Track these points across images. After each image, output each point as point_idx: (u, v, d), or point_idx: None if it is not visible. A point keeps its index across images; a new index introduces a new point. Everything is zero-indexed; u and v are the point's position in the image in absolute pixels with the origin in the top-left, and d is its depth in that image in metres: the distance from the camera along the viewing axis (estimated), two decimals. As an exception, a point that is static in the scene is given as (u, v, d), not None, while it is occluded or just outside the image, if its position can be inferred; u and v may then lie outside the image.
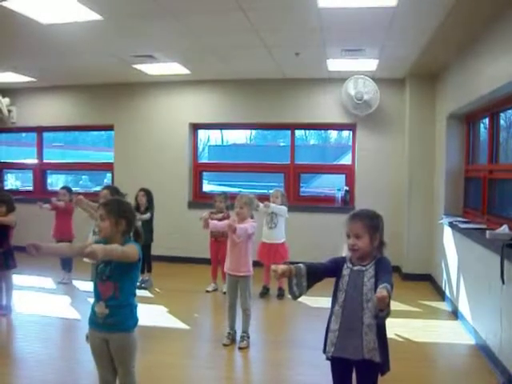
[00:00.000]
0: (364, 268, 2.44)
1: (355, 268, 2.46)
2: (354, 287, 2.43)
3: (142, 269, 5.81)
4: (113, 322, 2.54)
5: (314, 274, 2.51)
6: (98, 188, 5.97)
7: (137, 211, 5.83)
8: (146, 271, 6.09)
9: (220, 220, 5.02)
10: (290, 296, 2.53)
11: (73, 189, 6.51)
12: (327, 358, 2.52)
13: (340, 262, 2.54)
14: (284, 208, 5.78)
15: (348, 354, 2.41)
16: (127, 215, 2.65)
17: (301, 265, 2.49)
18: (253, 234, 4.27)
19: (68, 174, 10.84)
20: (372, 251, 2.46)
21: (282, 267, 2.44)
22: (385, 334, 2.45)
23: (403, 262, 6.71)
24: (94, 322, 2.60)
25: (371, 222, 2.47)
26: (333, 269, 2.54)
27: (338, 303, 2.47)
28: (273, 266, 2.46)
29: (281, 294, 5.73)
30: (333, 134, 15.29)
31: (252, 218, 4.35)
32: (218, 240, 5.74)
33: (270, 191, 5.99)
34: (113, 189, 5.15)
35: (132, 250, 2.54)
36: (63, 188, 6.36)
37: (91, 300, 2.67)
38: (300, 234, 6.84)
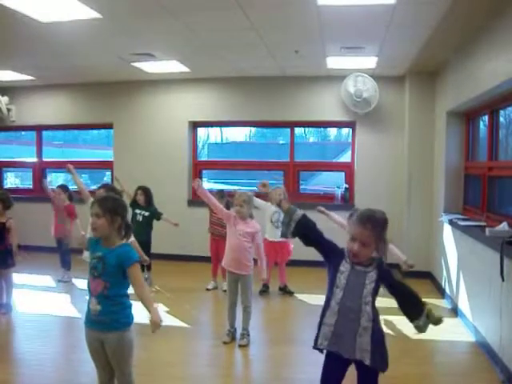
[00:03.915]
0: (366, 269, 2.39)
1: (357, 268, 2.39)
2: (354, 288, 2.37)
3: (141, 267, 5.81)
4: (106, 319, 2.52)
5: (307, 227, 2.62)
6: (96, 186, 5.98)
7: (136, 207, 5.95)
8: (146, 269, 6.06)
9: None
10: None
11: (71, 187, 6.49)
12: (314, 348, 2.47)
13: (338, 253, 2.46)
14: None
15: (342, 350, 2.38)
16: (121, 212, 2.67)
17: (300, 211, 2.62)
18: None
19: (67, 172, 10.81)
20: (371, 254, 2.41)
21: (274, 192, 2.58)
22: (382, 338, 2.41)
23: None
24: (89, 319, 2.59)
25: (381, 231, 2.38)
26: (328, 249, 2.52)
27: (335, 299, 2.39)
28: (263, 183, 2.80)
29: (281, 292, 5.74)
30: (332, 131, 15.33)
31: (252, 216, 4.35)
32: (218, 238, 5.75)
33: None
34: (109, 188, 5.18)
35: (140, 280, 2.62)
36: (59, 187, 6.34)
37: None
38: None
